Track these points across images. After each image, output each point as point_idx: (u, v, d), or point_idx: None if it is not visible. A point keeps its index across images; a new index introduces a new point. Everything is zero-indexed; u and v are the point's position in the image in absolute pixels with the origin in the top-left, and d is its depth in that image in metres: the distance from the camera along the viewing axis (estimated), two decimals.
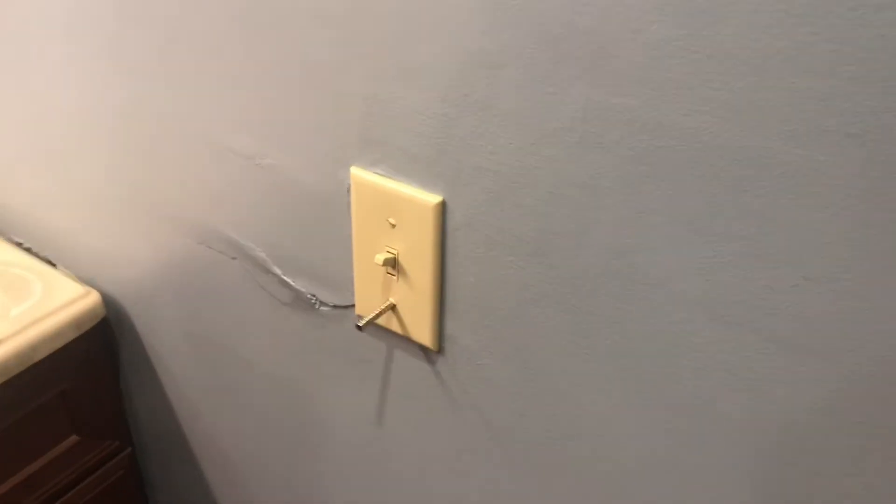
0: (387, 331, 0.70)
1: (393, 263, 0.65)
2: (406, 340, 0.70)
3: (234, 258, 0.79)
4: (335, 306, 0.74)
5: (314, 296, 0.75)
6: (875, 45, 0.39)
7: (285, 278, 0.76)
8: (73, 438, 1.00)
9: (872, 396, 0.48)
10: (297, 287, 0.75)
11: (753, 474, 0.55)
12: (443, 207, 0.60)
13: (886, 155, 0.41)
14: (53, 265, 1.02)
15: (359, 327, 0.66)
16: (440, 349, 0.68)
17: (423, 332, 0.67)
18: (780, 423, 0.52)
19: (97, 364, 1.00)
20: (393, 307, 0.68)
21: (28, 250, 1.05)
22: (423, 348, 0.69)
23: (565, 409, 0.62)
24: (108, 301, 0.99)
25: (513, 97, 0.53)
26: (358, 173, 0.64)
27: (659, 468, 0.59)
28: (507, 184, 0.56)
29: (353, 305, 0.72)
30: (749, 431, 0.54)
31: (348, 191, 0.65)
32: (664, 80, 0.46)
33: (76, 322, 0.92)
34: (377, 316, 0.67)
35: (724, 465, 0.56)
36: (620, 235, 0.53)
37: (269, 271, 0.77)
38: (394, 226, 0.63)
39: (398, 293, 0.67)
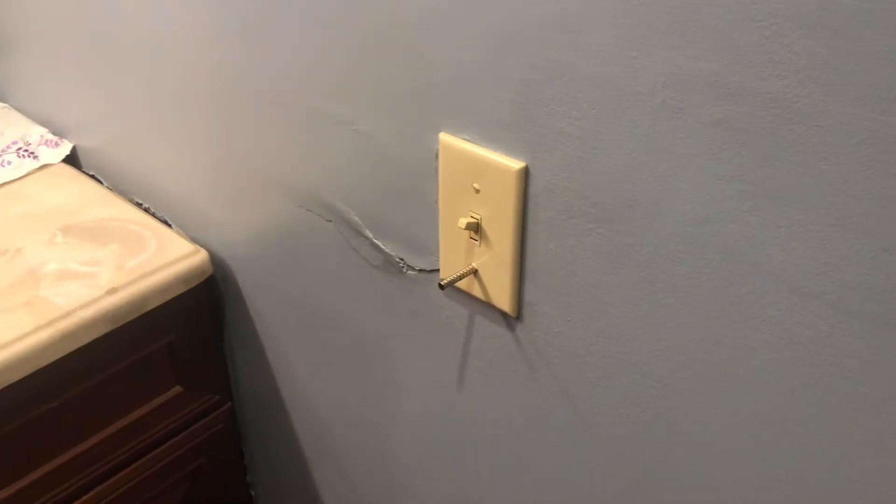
0: (469, 296, 0.72)
1: (476, 228, 0.67)
2: (487, 306, 0.71)
3: (329, 221, 0.83)
4: (421, 270, 0.76)
5: (402, 259, 0.77)
6: None
7: (376, 241, 0.79)
8: (177, 389, 1.06)
9: None
10: (387, 250, 0.78)
11: (831, 454, 0.54)
12: (525, 173, 0.62)
13: None
14: (169, 225, 1.09)
15: (441, 286, 0.68)
16: (519, 315, 0.69)
17: (503, 298, 0.68)
18: (859, 401, 0.51)
19: (203, 320, 1.06)
20: (475, 272, 0.69)
21: (147, 210, 1.12)
22: (503, 314, 0.70)
23: (638, 382, 0.62)
24: (216, 261, 1.04)
25: (596, 62, 0.53)
26: (446, 139, 0.66)
27: (730, 442, 0.59)
28: (588, 150, 0.57)
29: (438, 270, 0.74)
30: (827, 408, 0.52)
31: (436, 156, 0.67)
32: (744, 43, 0.46)
33: (184, 277, 0.98)
34: (459, 278, 0.69)
35: (796, 445, 0.55)
36: (698, 203, 0.53)
37: (361, 234, 0.80)
38: (478, 191, 0.65)
39: (480, 258, 0.68)
